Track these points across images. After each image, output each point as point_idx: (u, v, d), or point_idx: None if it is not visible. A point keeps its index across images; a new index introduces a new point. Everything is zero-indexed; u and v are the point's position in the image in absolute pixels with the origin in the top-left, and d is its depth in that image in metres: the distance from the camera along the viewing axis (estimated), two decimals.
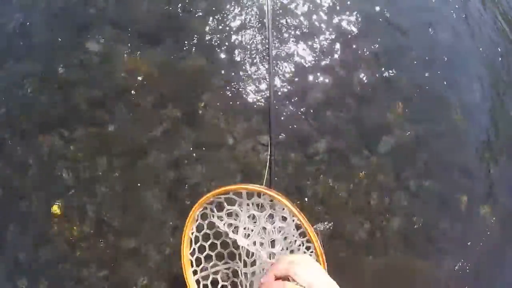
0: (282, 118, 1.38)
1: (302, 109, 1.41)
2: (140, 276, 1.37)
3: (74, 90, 1.49)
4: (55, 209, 1.43)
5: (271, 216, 0.98)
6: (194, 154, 1.41)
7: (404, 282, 1.47)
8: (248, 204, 0.97)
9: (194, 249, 1.04)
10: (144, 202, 1.41)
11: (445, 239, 1.53)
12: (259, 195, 0.95)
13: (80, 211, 1.42)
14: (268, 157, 0.99)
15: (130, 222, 1.41)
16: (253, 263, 1.05)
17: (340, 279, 1.34)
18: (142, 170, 1.43)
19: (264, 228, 0.99)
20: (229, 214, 1.01)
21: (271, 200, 0.94)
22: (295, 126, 1.40)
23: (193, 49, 1.47)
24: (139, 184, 1.41)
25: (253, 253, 1.02)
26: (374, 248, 1.42)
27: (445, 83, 1.64)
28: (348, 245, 1.37)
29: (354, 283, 1.39)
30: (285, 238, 1.01)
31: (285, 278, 0.78)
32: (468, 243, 1.58)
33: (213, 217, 0.99)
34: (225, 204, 0.98)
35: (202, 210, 1.00)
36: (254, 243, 1.00)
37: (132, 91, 1.47)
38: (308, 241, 0.98)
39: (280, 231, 0.99)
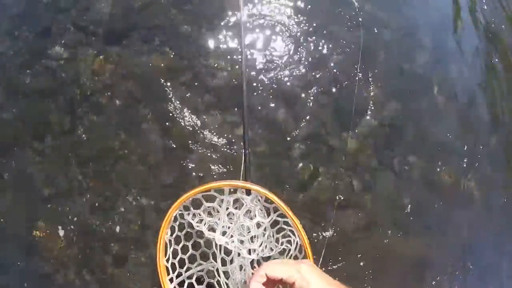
0: (257, 107, 1.36)
1: (277, 96, 1.38)
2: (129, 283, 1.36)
3: (40, 98, 1.46)
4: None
5: (249, 211, 0.97)
6: (168, 154, 1.37)
7: (393, 262, 1.48)
8: (225, 201, 0.95)
9: (169, 255, 1.00)
10: (123, 206, 1.38)
11: (431, 216, 1.54)
12: (234, 189, 0.94)
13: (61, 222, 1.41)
14: (243, 150, 0.97)
15: (112, 229, 1.38)
16: (231, 261, 1.03)
17: (327, 265, 1.34)
18: (117, 174, 1.40)
19: (243, 225, 0.98)
20: (208, 213, 0.98)
21: (248, 194, 0.93)
22: (270, 114, 1.37)
23: (160, 45, 1.41)
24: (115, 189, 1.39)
25: (230, 251, 1.00)
26: (361, 230, 1.42)
27: (425, 60, 1.61)
28: (335, 230, 1.37)
29: (342, 268, 1.39)
30: (264, 233, 1.00)
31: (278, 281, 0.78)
32: (454, 218, 1.59)
33: (189, 215, 0.97)
34: (204, 202, 0.95)
35: (178, 211, 0.97)
36: (233, 240, 0.98)
37: (100, 94, 1.42)
38: (284, 236, 0.99)
39: (258, 227, 0.98)
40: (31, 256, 1.44)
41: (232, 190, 0.94)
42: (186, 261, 1.02)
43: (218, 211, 0.95)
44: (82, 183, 1.41)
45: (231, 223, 0.97)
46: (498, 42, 2.01)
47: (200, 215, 0.97)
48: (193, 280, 1.03)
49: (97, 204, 1.40)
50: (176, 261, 1.01)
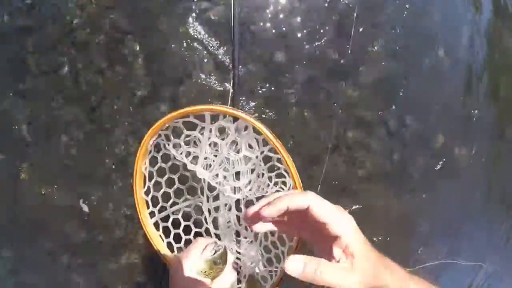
0: (252, 45, 1.24)
1: (274, 35, 1.26)
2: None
3: (21, 37, 1.34)
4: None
5: (234, 143, 0.86)
6: (157, 91, 1.27)
7: (378, 220, 1.44)
8: (210, 130, 0.84)
9: (148, 187, 0.91)
10: (111, 146, 1.31)
11: (419, 178, 1.50)
12: (222, 117, 0.82)
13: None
14: (232, 71, 0.86)
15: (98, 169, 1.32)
16: (216, 198, 0.94)
17: None
18: (103, 114, 1.31)
19: (228, 159, 0.87)
20: (187, 142, 0.88)
21: (235, 121, 0.81)
22: (266, 54, 1.26)
23: None
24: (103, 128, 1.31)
25: (215, 187, 0.91)
26: (350, 185, 1.37)
27: (433, 19, 1.53)
28: (324, 182, 1.29)
29: None
30: (253, 170, 0.89)
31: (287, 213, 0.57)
32: (442, 184, 1.55)
33: (169, 145, 0.86)
34: (184, 130, 0.85)
35: (156, 139, 0.87)
36: (217, 175, 0.88)
37: (84, 27, 1.30)
38: (278, 175, 0.85)
39: (246, 162, 0.88)
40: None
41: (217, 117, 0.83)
42: (172, 195, 0.93)
43: (200, 141, 0.84)
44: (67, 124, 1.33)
45: (216, 156, 0.86)
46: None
47: (181, 145, 0.87)
48: (180, 216, 0.94)
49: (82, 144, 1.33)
50: (159, 195, 0.92)
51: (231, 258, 0.84)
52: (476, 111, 1.66)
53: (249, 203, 0.90)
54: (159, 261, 0.96)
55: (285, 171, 0.81)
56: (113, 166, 1.31)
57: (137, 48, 1.30)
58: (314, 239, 0.60)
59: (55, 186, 1.35)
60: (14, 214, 1.40)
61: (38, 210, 1.37)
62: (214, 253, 0.82)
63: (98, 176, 1.33)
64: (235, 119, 0.81)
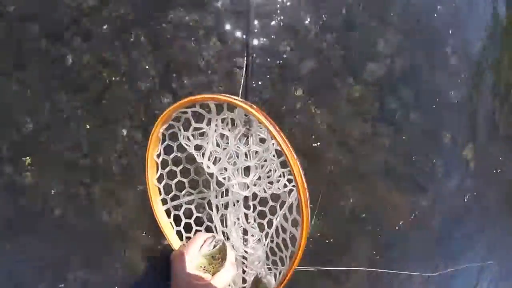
0: (261, 39, 1.20)
1: (283, 29, 1.23)
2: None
3: (25, 25, 1.30)
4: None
5: (245, 136, 0.84)
6: (163, 82, 1.24)
7: (380, 215, 1.42)
8: (217, 122, 0.81)
9: (162, 174, 0.90)
10: (117, 138, 1.27)
11: (424, 176, 1.48)
12: (231, 110, 0.80)
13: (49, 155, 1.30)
14: (244, 67, 0.83)
15: (105, 160, 1.28)
16: (226, 193, 0.92)
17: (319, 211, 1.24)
18: (109, 104, 1.28)
19: (237, 152, 0.85)
20: (199, 134, 0.85)
21: (246, 115, 0.79)
22: (275, 47, 1.23)
23: None
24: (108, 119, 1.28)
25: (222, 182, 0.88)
26: (354, 178, 1.35)
27: (441, 15, 1.49)
28: (329, 176, 1.28)
29: (333, 214, 1.33)
30: (263, 166, 0.87)
31: None
32: (446, 183, 1.54)
33: (181, 136, 0.85)
34: (193, 121, 0.82)
35: (169, 128, 0.85)
36: (225, 169, 0.86)
37: (89, 16, 1.27)
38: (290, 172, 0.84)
39: (256, 156, 0.85)
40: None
41: (226, 108, 0.80)
42: (186, 185, 0.93)
43: (208, 129, 0.82)
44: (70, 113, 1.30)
45: (224, 149, 0.84)
46: None
47: (189, 138, 0.85)
48: (193, 207, 0.93)
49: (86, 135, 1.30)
50: (173, 183, 0.91)
51: (231, 253, 0.84)
52: (484, 108, 1.65)
53: (259, 200, 0.89)
54: (162, 256, 0.94)
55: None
56: (118, 157, 1.28)
57: (142, 38, 1.26)
58: None
59: (57, 179, 1.32)
60: (17, 208, 1.37)
61: (41, 204, 1.34)
62: (213, 248, 0.82)
63: (101, 168, 1.29)
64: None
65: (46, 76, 1.31)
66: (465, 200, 1.63)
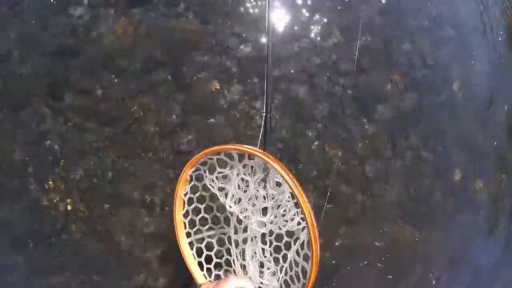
0: (279, 82, 1.32)
1: (299, 74, 1.34)
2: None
3: (59, 57, 1.42)
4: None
5: (263, 181, 0.93)
6: (186, 120, 1.35)
7: (395, 253, 1.46)
8: (239, 168, 0.91)
9: (187, 210, 0.99)
10: (137, 170, 1.37)
11: (437, 212, 1.52)
12: (251, 158, 0.90)
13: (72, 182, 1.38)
14: (263, 117, 0.92)
15: (124, 191, 1.37)
16: (245, 230, 1.00)
17: (331, 248, 1.30)
18: (132, 137, 1.37)
19: (256, 195, 0.94)
20: (222, 177, 0.95)
21: (265, 163, 0.88)
22: (292, 90, 1.33)
23: (183, 9, 1.38)
24: (130, 152, 1.37)
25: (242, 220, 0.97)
26: (368, 216, 1.40)
27: (447, 53, 1.59)
28: (342, 213, 1.34)
29: (346, 252, 1.38)
30: (279, 206, 0.96)
31: None
32: (459, 218, 1.57)
33: (206, 178, 0.94)
34: (217, 166, 0.92)
35: (196, 171, 0.95)
36: (245, 209, 0.95)
37: (121, 55, 1.39)
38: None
39: (272, 198, 0.94)
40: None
41: (247, 157, 0.90)
42: (209, 221, 1.01)
43: (231, 174, 0.92)
44: (96, 144, 1.40)
45: (245, 192, 0.93)
46: None
47: (213, 180, 0.94)
48: (214, 240, 1.01)
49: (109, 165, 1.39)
50: (197, 219, 1.00)
51: (250, 284, 0.90)
52: (493, 144, 1.69)
53: (276, 237, 0.97)
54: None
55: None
56: (141, 190, 1.37)
57: (169, 78, 1.37)
58: None
59: (81, 204, 1.39)
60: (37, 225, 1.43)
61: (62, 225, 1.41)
62: None
63: (125, 198, 1.38)
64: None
65: (78, 106, 1.40)
66: None
